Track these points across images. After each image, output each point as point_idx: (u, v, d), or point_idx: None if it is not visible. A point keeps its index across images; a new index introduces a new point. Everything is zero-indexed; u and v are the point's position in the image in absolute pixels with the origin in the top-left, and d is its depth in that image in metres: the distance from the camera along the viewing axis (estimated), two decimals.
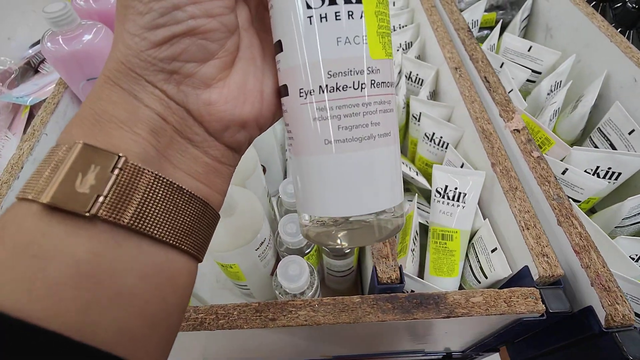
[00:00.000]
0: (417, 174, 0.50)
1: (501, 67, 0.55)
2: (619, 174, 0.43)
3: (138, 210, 0.14)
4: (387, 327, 0.35)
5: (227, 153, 0.18)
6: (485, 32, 0.70)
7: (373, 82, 0.16)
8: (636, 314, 0.36)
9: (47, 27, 0.43)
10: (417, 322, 0.32)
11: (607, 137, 0.48)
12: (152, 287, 0.15)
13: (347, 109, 0.15)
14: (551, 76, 0.53)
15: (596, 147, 0.49)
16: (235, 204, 0.35)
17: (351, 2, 0.15)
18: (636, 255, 0.38)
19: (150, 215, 0.14)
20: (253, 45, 0.18)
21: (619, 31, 0.55)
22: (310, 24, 0.15)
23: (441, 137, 0.49)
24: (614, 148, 0.47)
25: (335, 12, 0.15)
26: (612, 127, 0.47)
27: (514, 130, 0.42)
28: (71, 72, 0.46)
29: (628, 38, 0.56)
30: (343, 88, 0.15)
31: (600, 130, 0.48)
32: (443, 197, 0.42)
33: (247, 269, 0.40)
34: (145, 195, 0.14)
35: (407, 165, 0.51)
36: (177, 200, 0.15)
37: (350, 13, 0.15)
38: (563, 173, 0.42)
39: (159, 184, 0.15)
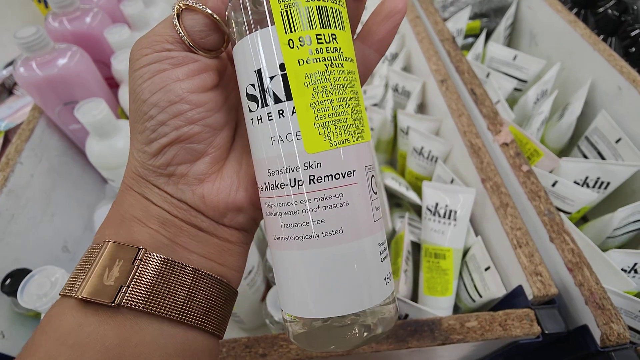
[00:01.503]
0: (407, 189, 0.49)
1: (487, 77, 0.55)
2: (608, 183, 0.43)
3: (156, 294, 0.16)
4: (380, 356, 0.34)
5: (235, 233, 0.19)
6: (470, 39, 0.70)
7: (312, 177, 0.15)
8: (630, 328, 0.36)
9: (20, 51, 0.42)
10: (411, 350, 0.31)
11: (594, 146, 0.48)
12: None
13: (287, 207, 0.15)
14: (537, 85, 0.53)
15: (585, 156, 0.49)
16: None
17: (280, 101, 0.15)
18: (628, 267, 0.38)
19: (167, 298, 0.16)
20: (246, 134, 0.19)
21: (601, 38, 0.55)
22: (253, 126, 0.16)
23: (430, 151, 0.49)
24: (602, 157, 0.47)
25: (268, 114, 0.15)
26: (599, 136, 0.47)
27: (503, 144, 0.42)
28: (46, 97, 0.44)
29: (610, 45, 0.56)
30: (281, 186, 0.15)
31: (588, 138, 0.48)
32: (434, 215, 0.41)
33: (237, 298, 0.38)
34: (162, 280, 0.16)
35: (396, 181, 0.50)
36: (192, 281, 0.17)
37: (280, 112, 0.15)
38: (553, 185, 0.42)
39: (174, 268, 0.17)
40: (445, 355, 0.38)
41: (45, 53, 0.41)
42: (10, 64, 0.69)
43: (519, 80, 0.58)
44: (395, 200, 0.54)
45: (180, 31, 0.17)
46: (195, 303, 0.17)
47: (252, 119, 0.16)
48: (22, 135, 0.45)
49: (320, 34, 0.15)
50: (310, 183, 0.15)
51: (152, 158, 0.17)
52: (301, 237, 0.15)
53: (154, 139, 0.17)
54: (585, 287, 0.32)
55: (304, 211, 0.15)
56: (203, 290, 0.18)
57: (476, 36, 0.68)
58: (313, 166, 0.15)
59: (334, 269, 0.15)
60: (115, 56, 0.45)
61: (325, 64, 0.15)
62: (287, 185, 0.15)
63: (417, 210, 0.53)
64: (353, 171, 0.15)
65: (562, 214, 0.37)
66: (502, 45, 0.62)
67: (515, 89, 0.58)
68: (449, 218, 0.40)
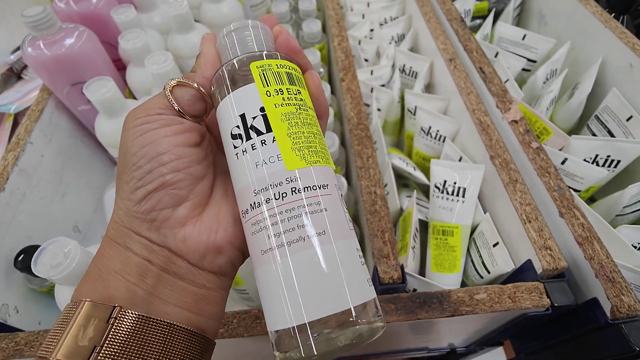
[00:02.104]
0: (414, 169, 0.49)
1: (496, 56, 0.54)
2: (618, 161, 0.43)
3: (129, 352, 0.17)
4: (390, 327, 0.34)
5: (213, 278, 0.20)
6: (478, 21, 0.69)
7: (294, 189, 0.18)
8: None
9: (27, 32, 0.42)
10: (421, 321, 0.31)
11: (605, 125, 0.47)
12: None
13: (274, 218, 0.17)
14: (547, 64, 0.52)
15: (594, 135, 0.49)
16: None
17: (262, 134, 0.18)
18: (639, 243, 0.38)
19: (141, 355, 0.17)
20: (227, 182, 0.21)
21: (613, 16, 0.54)
22: (237, 158, 0.19)
23: (438, 131, 0.48)
24: (612, 135, 0.46)
25: (252, 145, 0.18)
26: (610, 114, 0.46)
27: (512, 121, 0.42)
28: (54, 77, 0.44)
29: (622, 23, 0.55)
30: (267, 201, 0.18)
31: (598, 117, 0.48)
32: (442, 192, 0.41)
33: (246, 274, 0.39)
34: (136, 337, 0.17)
35: (404, 161, 0.50)
36: (167, 336, 0.18)
37: (263, 141, 0.18)
38: (562, 163, 0.42)
39: (149, 324, 0.17)
40: (454, 329, 0.38)
41: (53, 33, 0.41)
42: (18, 49, 0.69)
43: (528, 60, 0.57)
44: (402, 181, 0.54)
45: (171, 99, 0.20)
46: (169, 355, 0.17)
47: (236, 153, 0.19)
48: (31, 116, 0.45)
49: (289, 89, 0.19)
50: (292, 194, 0.17)
51: (136, 204, 0.18)
52: (289, 242, 0.17)
53: (140, 186, 0.18)
54: (596, 261, 0.32)
55: (289, 218, 0.17)
56: (178, 345, 0.18)
57: (483, 18, 0.67)
58: (294, 180, 0.18)
59: (322, 268, 0.17)
60: (122, 36, 0.45)
61: (295, 107, 0.19)
62: (272, 199, 0.17)
63: (425, 191, 0.53)
64: (326, 185, 0.18)
65: (572, 190, 0.37)
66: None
67: (524, 70, 0.57)
68: (458, 195, 0.40)
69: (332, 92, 0.54)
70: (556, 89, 0.49)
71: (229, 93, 0.19)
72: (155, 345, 0.17)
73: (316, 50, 0.56)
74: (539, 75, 0.52)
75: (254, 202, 0.18)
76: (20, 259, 0.38)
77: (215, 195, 0.21)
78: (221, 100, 0.20)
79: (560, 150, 0.44)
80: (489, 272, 0.38)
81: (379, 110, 0.54)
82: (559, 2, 0.58)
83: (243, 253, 0.21)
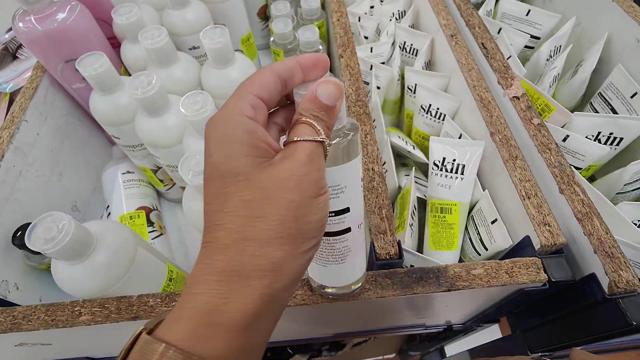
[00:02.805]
0: (413, 148, 0.48)
1: (498, 33, 0.53)
2: (621, 139, 0.42)
3: None
4: (387, 303, 0.34)
5: None
6: None
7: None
8: None
9: (18, 5, 0.41)
10: (417, 296, 0.31)
11: (608, 102, 0.46)
12: None
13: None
14: (551, 40, 0.51)
15: (597, 112, 0.48)
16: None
17: None
18: (639, 220, 0.37)
19: None
20: None
21: None
22: None
23: (438, 109, 0.48)
24: (615, 113, 0.45)
25: None
26: (614, 91, 0.45)
27: (514, 97, 0.41)
28: (47, 54, 0.43)
29: None
30: None
31: (602, 94, 0.47)
32: (441, 170, 0.41)
33: None
34: None
35: (403, 139, 0.49)
36: None
37: None
38: (564, 140, 0.41)
39: None
40: (451, 306, 0.38)
41: (43, 7, 0.40)
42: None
43: (532, 37, 0.55)
44: (400, 160, 0.53)
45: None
46: None
47: None
48: (25, 94, 0.44)
49: None
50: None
51: None
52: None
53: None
54: (595, 237, 0.31)
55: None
56: None
57: None
58: None
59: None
60: (115, 10, 0.44)
61: None
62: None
63: (424, 171, 0.52)
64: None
65: (572, 167, 0.37)
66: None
67: (527, 47, 0.56)
68: (456, 172, 0.40)
69: (331, 69, 0.53)
70: (560, 65, 0.48)
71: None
72: None
73: (315, 27, 0.55)
74: (543, 52, 0.51)
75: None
76: (17, 235, 0.38)
77: None
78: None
79: (562, 127, 0.43)
80: (486, 249, 0.38)
81: (378, 88, 0.53)
82: None
83: None
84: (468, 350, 0.68)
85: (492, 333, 0.54)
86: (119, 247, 0.31)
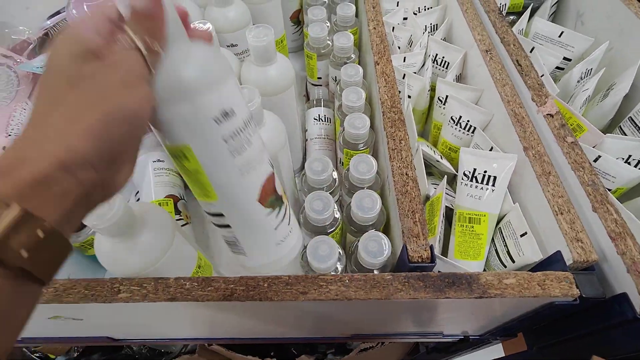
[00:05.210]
0: (441, 158, 0.49)
1: (531, 51, 0.53)
2: None
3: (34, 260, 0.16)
4: (414, 306, 0.34)
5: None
6: (512, 17, 0.68)
7: None
8: None
9: None
10: (445, 302, 0.32)
11: (638, 127, 0.47)
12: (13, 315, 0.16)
13: None
14: (583, 63, 0.51)
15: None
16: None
17: None
18: None
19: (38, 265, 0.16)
20: None
21: None
22: None
23: (468, 121, 0.48)
24: None
25: None
26: None
27: (547, 114, 0.41)
28: None
29: None
30: None
31: (632, 119, 0.47)
32: (471, 180, 0.41)
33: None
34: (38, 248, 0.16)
35: (431, 149, 0.50)
36: (56, 250, 0.17)
37: None
38: (595, 160, 0.42)
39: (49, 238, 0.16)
40: (475, 314, 0.39)
41: None
42: (54, 14, 0.70)
43: (564, 58, 0.56)
44: (427, 170, 0.54)
45: None
46: (56, 266, 0.17)
47: None
48: None
49: None
50: None
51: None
52: None
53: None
54: (628, 256, 0.32)
55: None
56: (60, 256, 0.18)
57: (517, 14, 0.66)
58: None
59: None
60: None
61: None
62: None
63: (448, 180, 0.53)
64: None
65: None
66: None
67: (557, 68, 0.57)
68: (487, 183, 0.40)
69: (365, 76, 0.54)
70: (591, 87, 0.49)
71: None
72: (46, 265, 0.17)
73: (350, 33, 0.56)
74: (574, 73, 0.52)
75: None
76: None
77: None
78: None
79: (593, 148, 0.44)
80: (513, 262, 0.38)
81: (409, 97, 0.54)
82: (599, 1, 0.57)
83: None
84: None
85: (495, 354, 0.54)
86: (160, 230, 0.32)
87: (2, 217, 0.15)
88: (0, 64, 0.62)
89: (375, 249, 0.35)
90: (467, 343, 0.50)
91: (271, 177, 0.26)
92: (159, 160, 0.54)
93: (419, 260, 0.32)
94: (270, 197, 0.26)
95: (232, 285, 0.31)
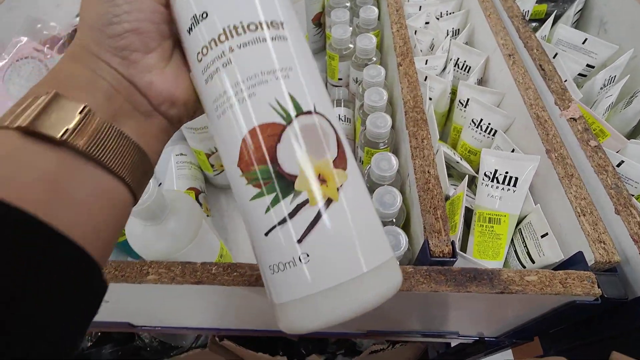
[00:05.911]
0: (460, 159, 0.49)
1: (554, 57, 0.54)
2: None
3: (93, 142, 0.18)
4: (433, 300, 0.35)
5: (164, 123, 0.23)
6: (534, 24, 0.69)
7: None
8: None
9: None
10: (465, 296, 0.32)
11: None
12: (97, 204, 0.18)
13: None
14: (606, 70, 0.51)
15: None
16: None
17: None
18: None
19: (102, 149, 0.18)
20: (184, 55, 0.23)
21: None
22: None
23: (489, 124, 0.49)
24: None
25: None
26: None
27: (571, 118, 0.42)
28: None
29: None
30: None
31: None
32: (492, 181, 0.41)
33: None
34: (100, 135, 0.18)
35: (451, 150, 0.50)
36: (124, 144, 0.19)
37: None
38: (618, 165, 0.42)
39: (113, 130, 0.19)
40: (493, 312, 0.39)
41: None
42: None
43: (587, 65, 0.56)
44: (447, 171, 0.54)
45: None
46: (123, 160, 0.19)
47: None
48: None
49: None
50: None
51: (111, 38, 0.19)
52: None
53: (116, 22, 0.19)
54: None
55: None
56: (131, 154, 0.20)
57: (540, 21, 0.67)
58: None
59: None
60: None
61: None
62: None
63: (467, 182, 0.53)
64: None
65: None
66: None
67: (580, 75, 0.57)
68: (509, 184, 0.40)
69: (388, 77, 0.54)
70: (615, 94, 0.49)
71: None
72: (114, 148, 0.19)
73: (372, 35, 0.57)
74: (598, 80, 0.52)
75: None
76: None
77: (175, 58, 0.22)
78: None
79: (616, 153, 0.44)
80: (533, 262, 0.38)
81: (430, 99, 0.55)
82: (623, 10, 0.57)
83: (188, 115, 0.24)
84: None
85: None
86: (188, 217, 0.33)
87: (39, 102, 0.17)
88: (32, 57, 0.64)
89: (393, 243, 0.36)
90: (481, 346, 0.50)
91: None
92: (181, 154, 0.55)
93: (441, 255, 0.33)
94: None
95: (257, 272, 0.32)
